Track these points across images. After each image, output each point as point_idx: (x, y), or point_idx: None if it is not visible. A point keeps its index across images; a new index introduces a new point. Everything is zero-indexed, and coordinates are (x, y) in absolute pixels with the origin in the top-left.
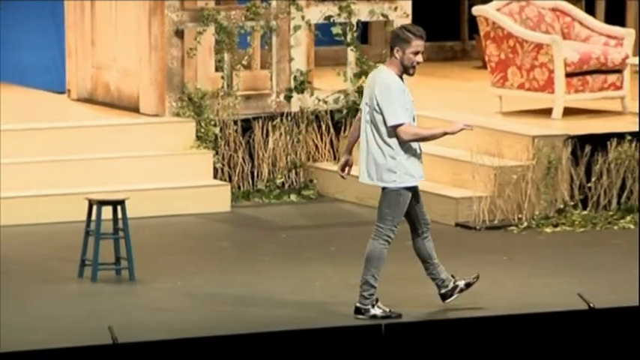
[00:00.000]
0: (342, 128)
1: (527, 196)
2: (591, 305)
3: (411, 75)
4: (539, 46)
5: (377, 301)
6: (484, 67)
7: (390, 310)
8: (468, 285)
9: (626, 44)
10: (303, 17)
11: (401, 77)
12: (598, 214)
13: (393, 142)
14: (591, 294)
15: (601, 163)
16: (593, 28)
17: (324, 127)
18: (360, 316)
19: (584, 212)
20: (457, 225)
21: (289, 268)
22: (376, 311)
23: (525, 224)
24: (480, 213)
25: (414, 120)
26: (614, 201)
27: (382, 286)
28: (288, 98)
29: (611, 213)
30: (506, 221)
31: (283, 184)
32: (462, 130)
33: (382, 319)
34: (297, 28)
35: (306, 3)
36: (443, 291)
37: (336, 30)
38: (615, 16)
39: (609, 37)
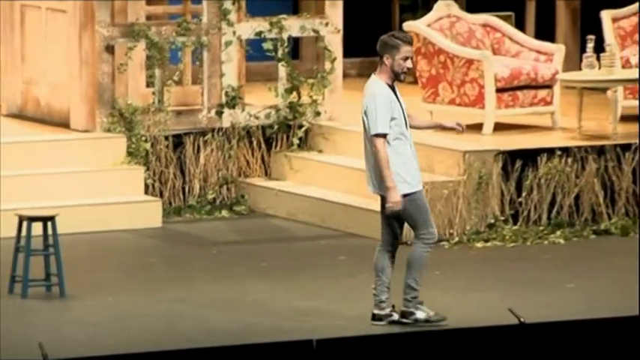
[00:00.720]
0: (274, 144)
1: (458, 211)
2: (522, 320)
3: (401, 81)
4: (469, 62)
5: (421, 304)
6: (415, 82)
7: (435, 314)
8: (400, 322)
9: (556, 60)
10: (234, 33)
11: (392, 86)
12: (528, 229)
13: (391, 152)
14: (522, 309)
15: (531, 178)
16: (523, 43)
17: (255, 142)
18: (405, 320)
19: (515, 227)
20: None
21: (220, 283)
22: (419, 315)
23: (456, 239)
24: (409, 228)
25: (406, 125)
26: (545, 216)
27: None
28: (220, 114)
29: (541, 228)
30: (437, 236)
31: (214, 199)
32: (391, 204)
33: (424, 323)
34: (228, 43)
35: (238, 18)
36: (376, 311)
37: (267, 45)
38: (545, 31)
39: (539, 52)
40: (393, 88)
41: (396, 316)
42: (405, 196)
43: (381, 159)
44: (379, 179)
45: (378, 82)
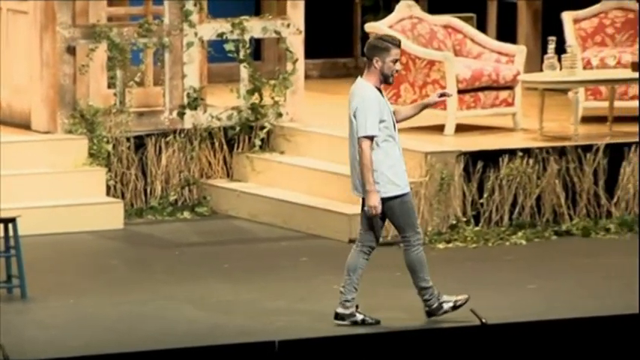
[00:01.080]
0: (236, 145)
1: (420, 212)
2: (484, 321)
3: (390, 84)
4: (431, 63)
5: (438, 298)
6: None
7: (456, 300)
8: (363, 321)
9: (517, 61)
10: (196, 34)
11: (379, 89)
12: (490, 230)
13: (374, 153)
14: (484, 309)
15: (493, 180)
16: (484, 45)
17: (217, 143)
18: (435, 317)
19: (477, 228)
20: (350, 241)
21: (182, 285)
22: (445, 307)
23: None
24: None
25: (394, 128)
26: (506, 217)
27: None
28: (181, 115)
29: (503, 229)
30: (398, 237)
31: (176, 201)
32: (369, 207)
33: (453, 310)
34: (190, 44)
35: (199, 20)
36: (340, 310)
37: (229, 47)
38: (507, 33)
39: (501, 53)
40: (380, 90)
41: (359, 317)
42: (393, 198)
43: (364, 161)
44: (361, 181)
45: (366, 85)
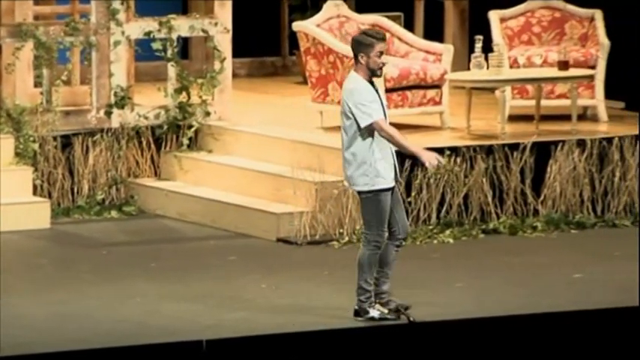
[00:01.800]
0: (163, 144)
1: (348, 210)
2: (411, 319)
3: (379, 76)
4: None
5: (375, 303)
6: (305, 82)
7: (387, 312)
8: (398, 309)
9: (444, 60)
10: (123, 33)
11: (371, 82)
12: (418, 228)
13: (363, 146)
14: (412, 308)
15: (420, 178)
16: (412, 43)
17: (144, 142)
18: (359, 318)
19: None
20: (278, 240)
21: (109, 284)
22: (374, 313)
23: (346, 239)
24: (301, 228)
25: (386, 121)
26: (434, 215)
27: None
28: (109, 114)
29: (430, 227)
30: (327, 236)
31: (104, 200)
32: (429, 164)
33: (379, 321)
34: (117, 43)
35: (126, 18)
36: (377, 300)
37: (156, 45)
38: (434, 32)
39: (428, 52)
40: (372, 84)
41: (393, 304)
42: (376, 191)
43: (392, 136)
44: (350, 174)
45: (357, 78)
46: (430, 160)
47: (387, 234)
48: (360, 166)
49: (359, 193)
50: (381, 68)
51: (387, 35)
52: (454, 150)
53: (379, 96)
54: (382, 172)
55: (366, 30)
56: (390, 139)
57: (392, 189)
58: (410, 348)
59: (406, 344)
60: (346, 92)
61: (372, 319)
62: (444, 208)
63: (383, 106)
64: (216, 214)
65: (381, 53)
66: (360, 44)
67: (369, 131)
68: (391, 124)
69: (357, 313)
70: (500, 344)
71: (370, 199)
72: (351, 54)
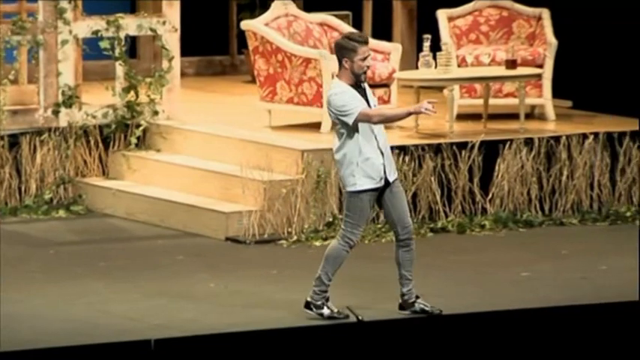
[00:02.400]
0: (111, 143)
1: (296, 209)
2: (360, 318)
3: (363, 81)
4: (307, 61)
5: (327, 300)
6: (253, 81)
7: (337, 311)
8: (423, 311)
9: (393, 59)
10: (70, 32)
11: (355, 86)
12: (366, 227)
13: (352, 147)
14: (360, 307)
15: None
16: None
17: (92, 142)
18: (309, 311)
19: None
20: (227, 239)
21: (58, 284)
22: (324, 310)
23: (295, 238)
24: (249, 227)
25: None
26: (382, 213)
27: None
28: (56, 113)
29: (379, 226)
30: (276, 235)
31: (52, 199)
32: (425, 110)
33: (328, 319)
34: (64, 42)
35: (74, 17)
36: (400, 302)
37: (104, 44)
38: (382, 31)
39: (376, 51)
40: (357, 87)
41: (419, 306)
42: (362, 191)
43: (382, 115)
44: (341, 175)
45: (338, 84)
46: (425, 108)
47: (359, 235)
48: (348, 166)
49: (347, 192)
50: (365, 72)
51: (336, 34)
52: (402, 149)
53: (367, 98)
54: (369, 172)
55: (348, 34)
56: (384, 120)
57: (381, 190)
58: (358, 347)
59: (354, 343)
60: (328, 100)
61: (321, 315)
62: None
63: (370, 106)
64: (165, 214)
65: (365, 57)
66: (343, 49)
67: (356, 131)
68: None
69: (307, 305)
70: (449, 342)
71: (353, 197)
72: (300, 53)
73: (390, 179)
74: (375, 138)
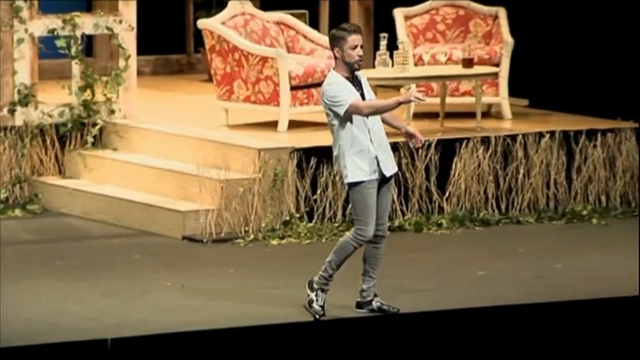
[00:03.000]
0: (68, 142)
1: (253, 208)
2: (317, 317)
3: (357, 70)
4: (264, 60)
5: (325, 292)
6: (210, 80)
7: (321, 309)
8: (380, 309)
9: None
10: (26, 30)
11: (350, 78)
12: (324, 225)
13: (343, 139)
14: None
15: (326, 176)
16: (317, 41)
17: (49, 140)
18: (309, 291)
19: (310, 224)
20: (184, 238)
21: (14, 283)
22: (314, 296)
23: (252, 237)
24: (206, 226)
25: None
26: (339, 213)
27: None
28: (12, 112)
29: (336, 224)
30: (233, 234)
31: (7, 198)
32: (415, 99)
33: (309, 306)
34: (20, 41)
35: (30, 16)
36: (358, 299)
37: (60, 43)
38: None
39: None
40: (353, 79)
41: (376, 304)
42: (358, 183)
43: (373, 106)
44: (338, 168)
45: (332, 75)
46: (414, 97)
47: (371, 232)
48: (342, 158)
49: (347, 185)
50: (357, 61)
51: (292, 33)
52: None
53: (363, 90)
54: (362, 165)
55: (340, 25)
56: (375, 111)
57: (379, 182)
58: (314, 345)
59: (311, 342)
60: (322, 91)
61: (310, 301)
62: (350, 206)
63: (364, 99)
64: (121, 213)
65: (356, 46)
66: (334, 38)
67: (350, 122)
68: (297, 122)
69: (309, 283)
70: (406, 341)
71: (354, 191)
72: (257, 52)
73: (387, 173)
74: (369, 131)
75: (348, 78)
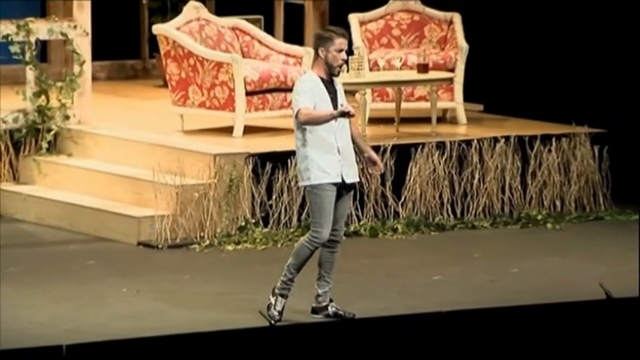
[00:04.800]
0: (22, 148)
1: (209, 214)
2: (272, 322)
3: (336, 75)
4: (219, 65)
5: (285, 297)
6: (165, 85)
7: (277, 315)
8: (335, 315)
9: (305, 63)
10: None
11: (326, 80)
12: (279, 231)
13: (306, 140)
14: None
15: (282, 181)
16: (272, 46)
17: (3, 146)
18: (270, 296)
19: (266, 230)
20: (139, 244)
21: None
22: (274, 301)
23: (208, 242)
24: (162, 232)
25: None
26: (295, 218)
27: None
28: None
29: (291, 230)
30: (188, 239)
31: None
32: (345, 114)
33: (267, 310)
34: None
35: None
36: (314, 305)
37: (14, 49)
38: (294, 35)
39: (288, 55)
40: (327, 81)
41: (332, 309)
42: (317, 186)
43: (309, 116)
44: (297, 169)
45: (306, 76)
46: (345, 111)
47: (326, 235)
48: (304, 160)
49: (306, 187)
50: (339, 65)
51: (247, 38)
52: None
53: (334, 93)
54: (324, 167)
55: (328, 26)
56: (309, 120)
57: (338, 186)
58: (271, 351)
59: (267, 347)
60: (294, 87)
61: (268, 306)
62: (305, 212)
63: (332, 102)
64: (76, 218)
65: (341, 50)
66: (321, 38)
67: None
68: (253, 127)
69: (272, 289)
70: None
71: (312, 193)
72: (212, 57)
73: (348, 180)
74: (334, 135)
75: (324, 80)
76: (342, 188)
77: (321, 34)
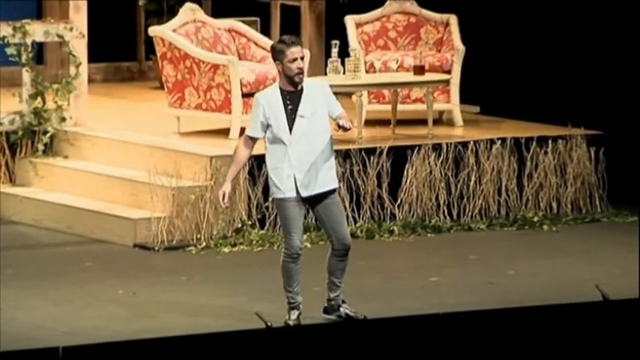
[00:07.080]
0: (18, 150)
1: (205, 216)
2: (269, 324)
3: (298, 83)
4: (215, 67)
5: (296, 308)
6: (161, 87)
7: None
8: (348, 316)
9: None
10: None
11: (291, 90)
12: (275, 233)
13: (268, 155)
14: (270, 313)
15: None
16: (268, 48)
17: None
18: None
19: (262, 232)
20: (135, 246)
21: None
22: (288, 315)
23: (204, 244)
24: (158, 234)
25: (290, 130)
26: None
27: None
28: None
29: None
30: (184, 241)
31: None
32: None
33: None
34: None
35: None
36: (326, 305)
37: (10, 50)
38: None
39: None
40: (290, 92)
41: (344, 311)
42: (278, 200)
43: (233, 155)
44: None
45: (268, 87)
46: (222, 201)
47: (296, 243)
48: (268, 173)
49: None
50: (297, 74)
51: (244, 40)
52: None
53: (294, 104)
54: (277, 182)
55: (280, 38)
56: (233, 155)
57: (311, 201)
58: (267, 353)
59: (263, 349)
60: None
61: (287, 320)
62: None
63: (289, 115)
64: (72, 220)
65: (295, 59)
66: (274, 51)
67: (270, 141)
68: None
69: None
70: (362, 348)
71: (276, 206)
72: (208, 59)
73: (305, 194)
74: (287, 149)
75: (289, 91)
76: (315, 199)
77: (273, 47)
